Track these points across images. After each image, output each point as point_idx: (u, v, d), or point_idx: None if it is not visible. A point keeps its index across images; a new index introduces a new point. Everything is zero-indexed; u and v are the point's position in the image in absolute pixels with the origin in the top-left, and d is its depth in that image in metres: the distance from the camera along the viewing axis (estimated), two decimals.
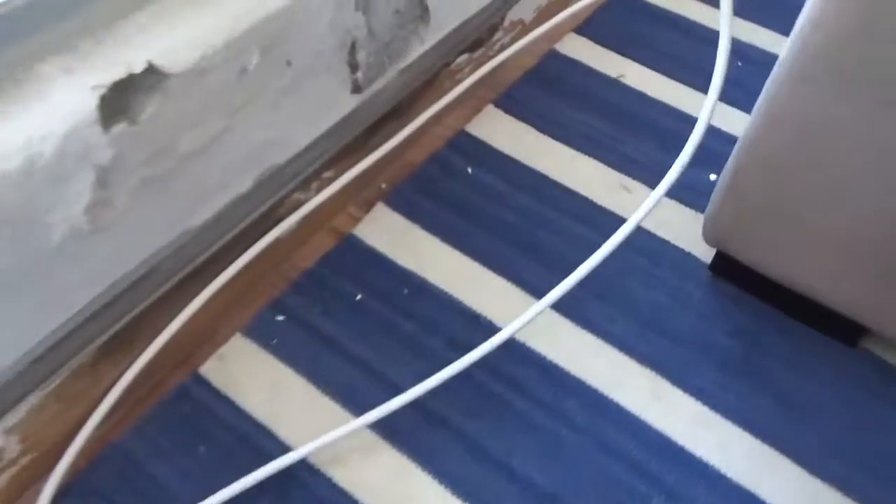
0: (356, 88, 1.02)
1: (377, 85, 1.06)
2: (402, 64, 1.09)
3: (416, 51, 1.11)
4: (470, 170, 1.19)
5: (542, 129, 1.26)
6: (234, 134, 0.84)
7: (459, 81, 1.23)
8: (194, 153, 0.81)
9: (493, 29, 1.28)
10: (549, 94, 1.32)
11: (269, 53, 0.83)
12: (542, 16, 1.42)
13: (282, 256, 1.04)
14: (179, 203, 0.84)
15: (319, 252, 1.06)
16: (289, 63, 0.87)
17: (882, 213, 0.82)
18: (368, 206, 1.12)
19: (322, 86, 0.95)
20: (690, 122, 1.27)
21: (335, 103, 1.00)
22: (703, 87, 1.35)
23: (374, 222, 1.11)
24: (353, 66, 0.99)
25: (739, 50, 1.41)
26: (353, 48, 0.96)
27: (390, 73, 1.07)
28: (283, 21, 0.82)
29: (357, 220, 1.11)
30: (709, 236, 1.02)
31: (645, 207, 0.85)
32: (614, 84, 1.35)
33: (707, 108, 0.82)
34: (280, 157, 0.95)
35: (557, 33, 1.40)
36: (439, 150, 1.21)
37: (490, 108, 1.28)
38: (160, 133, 0.75)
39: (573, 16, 1.37)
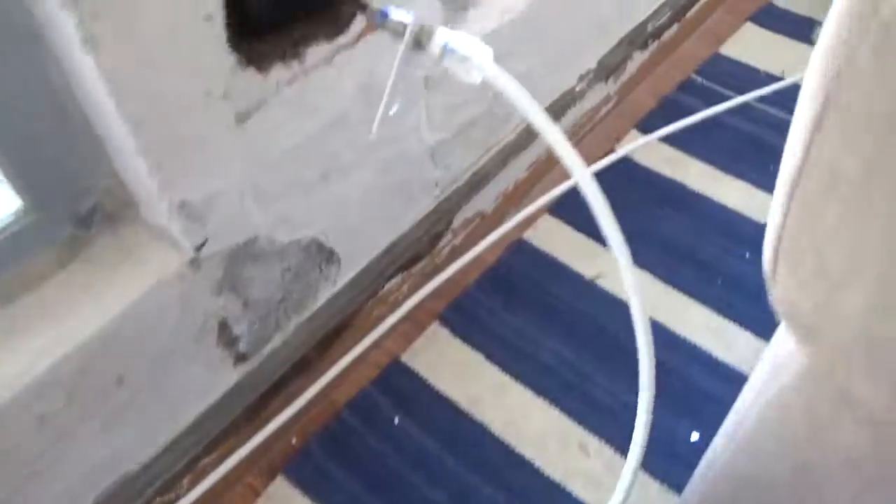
0: (240, 358, 0.86)
1: (273, 344, 0.89)
2: (308, 312, 0.92)
3: (327, 293, 0.94)
4: (397, 419, 1.00)
5: (494, 356, 1.06)
6: (43, 477, 0.69)
7: (396, 305, 1.05)
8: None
9: (437, 237, 1.10)
10: (508, 303, 1.13)
11: (85, 381, 0.67)
12: (511, 200, 1.23)
13: None
14: None
15: None
16: (120, 381, 0.71)
17: None
18: (270, 476, 0.95)
19: (185, 376, 0.79)
20: (676, 347, 1.07)
21: (209, 385, 0.83)
22: (702, 295, 1.15)
23: (276, 500, 0.93)
24: (230, 342, 0.82)
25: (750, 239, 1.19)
26: (224, 327, 0.80)
27: (290, 328, 0.91)
28: (98, 346, 0.66)
29: (257, 494, 0.94)
30: None
31: None
32: (588, 289, 1.15)
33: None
34: (130, 464, 0.79)
35: (527, 218, 1.21)
36: (365, 390, 1.03)
37: (435, 328, 1.10)
38: None
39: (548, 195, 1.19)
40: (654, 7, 1.36)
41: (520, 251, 1.19)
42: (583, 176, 0.62)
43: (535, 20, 1.03)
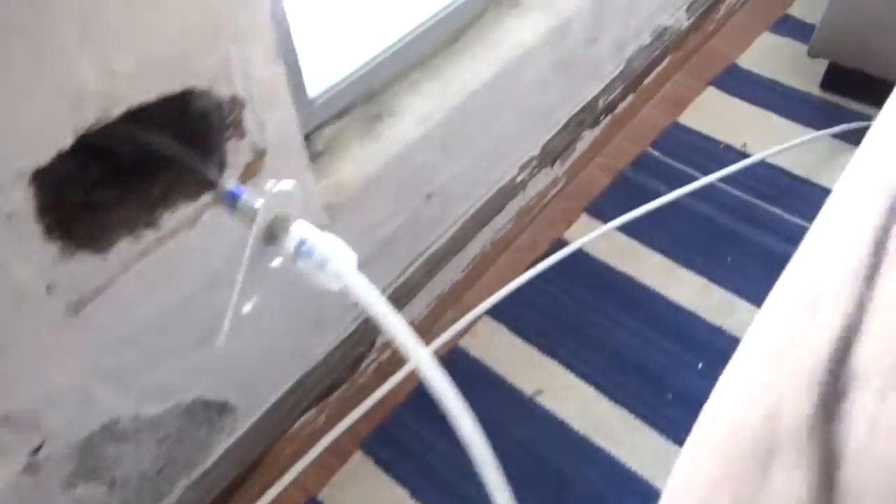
0: None
1: None
2: (201, 468, 0.82)
3: (223, 445, 0.84)
4: None
5: (420, 493, 0.96)
6: None
7: (312, 438, 0.95)
8: None
9: (359, 358, 1.00)
10: (440, 426, 1.02)
11: None
12: (445, 304, 1.13)
13: None
14: None
15: None
16: None
17: None
18: None
19: None
20: (623, 480, 0.97)
21: None
22: (651, 415, 1.03)
23: None
24: None
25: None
26: None
27: (178, 491, 0.80)
28: None
29: None
30: None
31: None
32: (528, 409, 1.05)
33: None
34: None
35: (464, 323, 1.11)
36: None
37: (357, 458, 1.00)
38: None
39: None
40: (605, 82, 1.27)
41: (455, 362, 1.09)
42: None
43: (462, 122, 0.94)
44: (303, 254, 0.49)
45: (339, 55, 0.84)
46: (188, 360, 0.71)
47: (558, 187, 1.29)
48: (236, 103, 0.61)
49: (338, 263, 0.49)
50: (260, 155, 0.66)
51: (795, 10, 1.67)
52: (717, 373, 0.67)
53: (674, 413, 1.03)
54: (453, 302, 1.14)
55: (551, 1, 1.03)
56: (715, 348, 1.09)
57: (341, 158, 0.83)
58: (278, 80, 0.64)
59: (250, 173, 0.66)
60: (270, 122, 0.65)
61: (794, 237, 1.26)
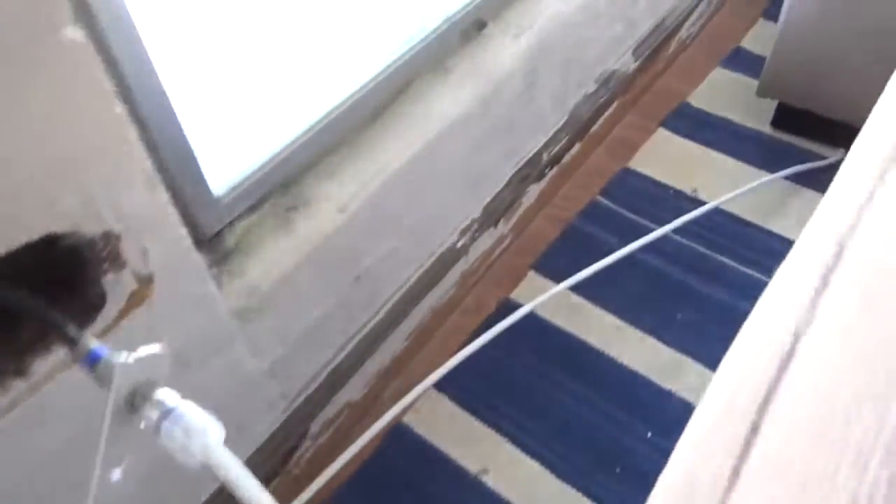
0: None
1: None
2: None
3: None
4: None
5: None
6: None
7: None
8: None
9: (291, 451, 0.96)
10: None
11: None
12: (386, 380, 1.09)
13: None
14: None
15: None
16: None
17: None
18: None
19: None
20: None
21: None
22: (598, 492, 0.97)
23: None
24: None
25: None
26: None
27: None
28: None
29: None
30: None
31: None
32: (472, 488, 1.01)
33: None
34: None
35: (406, 398, 1.07)
36: None
37: None
38: None
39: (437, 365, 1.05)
40: (549, 135, 1.24)
41: (398, 440, 1.06)
42: None
43: (387, 203, 0.90)
44: (162, 429, 0.45)
45: (247, 147, 0.80)
46: None
47: (504, 245, 1.25)
48: (110, 237, 0.57)
49: (202, 437, 0.45)
50: (146, 281, 0.62)
51: (748, 43, 1.65)
52: (667, 441, 0.63)
53: (623, 489, 1.00)
54: (396, 374, 1.10)
55: (480, 67, 0.99)
56: (665, 414, 1.06)
57: (254, 256, 0.80)
58: (159, 204, 0.60)
59: (137, 302, 0.62)
60: (154, 246, 0.61)
61: (745, 290, 1.24)
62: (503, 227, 1.22)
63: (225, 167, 0.78)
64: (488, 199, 1.14)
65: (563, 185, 1.35)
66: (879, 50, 1.20)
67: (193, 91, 0.73)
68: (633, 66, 1.42)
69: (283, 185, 0.83)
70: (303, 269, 0.82)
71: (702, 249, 1.26)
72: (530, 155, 1.21)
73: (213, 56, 0.79)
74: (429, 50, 0.94)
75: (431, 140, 0.93)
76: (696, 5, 1.58)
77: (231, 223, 0.80)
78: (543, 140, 1.23)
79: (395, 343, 1.08)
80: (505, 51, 1.02)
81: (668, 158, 1.41)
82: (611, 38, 1.29)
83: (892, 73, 0.65)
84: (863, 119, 0.60)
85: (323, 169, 0.85)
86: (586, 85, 1.29)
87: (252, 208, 0.81)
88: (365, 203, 0.86)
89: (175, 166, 0.68)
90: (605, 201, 1.34)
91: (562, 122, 1.25)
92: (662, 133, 1.46)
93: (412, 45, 0.92)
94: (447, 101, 0.96)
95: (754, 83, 1.44)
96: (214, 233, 0.78)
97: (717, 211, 1.29)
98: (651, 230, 1.26)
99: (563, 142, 1.29)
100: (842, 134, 1.37)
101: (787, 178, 1.35)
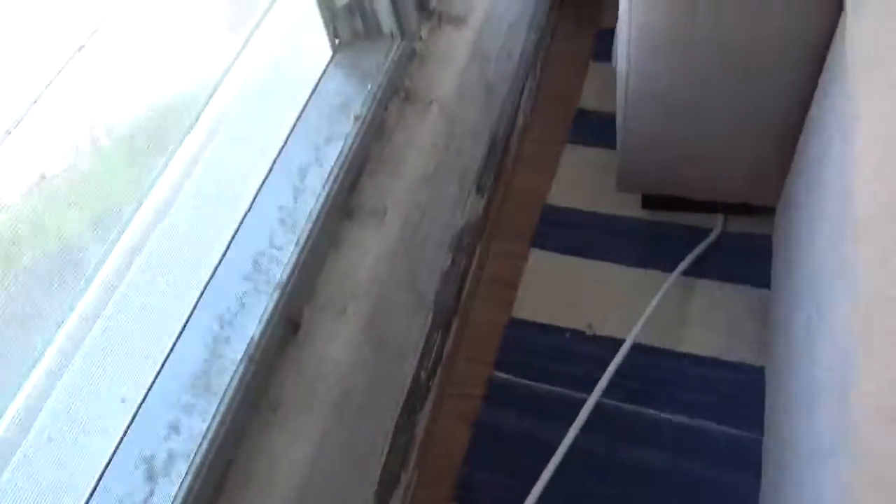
0: None
1: None
2: None
3: None
4: None
5: None
6: None
7: None
8: None
9: None
10: None
11: None
12: None
13: None
14: None
15: None
16: None
17: None
18: None
19: None
20: None
21: None
22: None
23: None
24: None
25: None
26: None
27: None
28: None
29: None
30: None
31: None
32: None
33: None
34: None
35: None
36: None
37: None
38: None
39: None
40: (420, 352, 1.07)
41: None
42: None
43: None
44: None
45: None
46: None
47: (412, 482, 1.10)
48: None
49: None
50: None
51: (589, 101, 1.50)
52: None
53: None
54: None
55: (311, 388, 0.81)
56: None
57: None
58: None
59: None
60: None
61: (675, 444, 1.11)
62: (406, 477, 1.06)
63: None
64: (378, 472, 0.98)
65: (453, 370, 1.19)
66: (723, 138, 1.08)
67: None
68: (481, 203, 1.26)
69: None
70: None
71: (618, 404, 1.12)
72: (407, 390, 1.04)
73: None
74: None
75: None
76: (519, 107, 1.42)
77: None
78: (416, 362, 1.06)
79: None
80: (332, 344, 0.84)
81: (551, 289, 1.26)
82: (451, 203, 1.12)
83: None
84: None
85: None
86: (440, 265, 1.12)
87: None
88: None
89: None
90: (503, 376, 1.19)
91: (428, 327, 1.09)
92: (536, 256, 1.31)
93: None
94: (291, 450, 0.78)
95: (609, 153, 1.28)
96: None
97: (620, 344, 1.17)
98: (564, 397, 1.13)
99: (437, 342, 1.13)
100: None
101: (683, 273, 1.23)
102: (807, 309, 0.77)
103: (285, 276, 0.78)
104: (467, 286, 1.24)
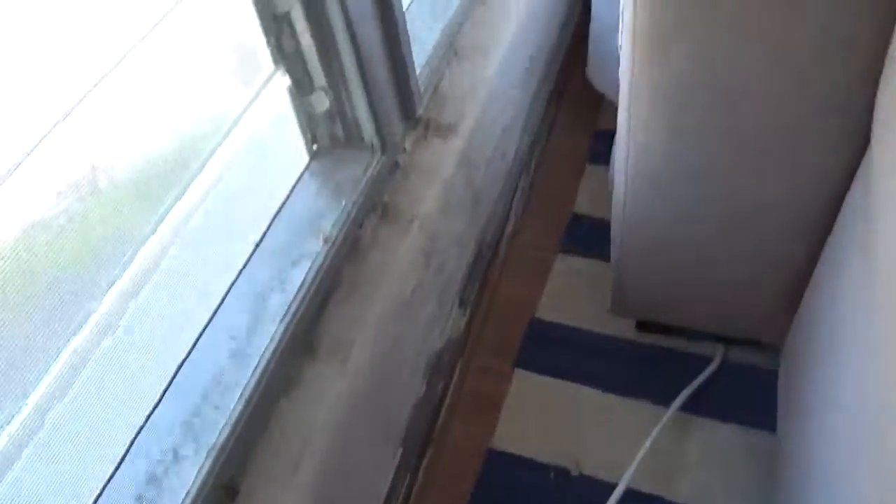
0: None
1: None
2: None
3: None
4: None
5: None
6: None
7: None
8: None
9: None
10: None
11: None
12: None
13: None
14: None
15: None
16: None
17: None
18: None
19: None
20: None
21: None
22: None
23: None
24: None
25: None
26: None
27: None
28: None
29: None
30: None
31: None
32: None
33: None
34: None
35: None
36: None
37: None
38: None
39: None
40: (392, 474, 0.96)
41: None
42: None
43: None
44: None
45: None
46: None
47: None
48: None
49: None
50: None
51: (583, 206, 1.42)
52: None
53: None
54: None
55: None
56: None
57: None
58: None
59: None
60: None
61: None
62: None
63: None
64: None
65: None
66: (727, 275, 0.99)
67: None
68: (463, 320, 1.16)
69: None
70: None
71: None
72: None
73: None
74: None
75: None
76: (510, 208, 1.35)
77: None
78: (389, 481, 0.95)
79: None
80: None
81: (536, 417, 1.15)
82: (429, 323, 1.03)
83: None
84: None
85: None
86: (413, 396, 1.01)
87: None
88: None
89: None
90: None
91: (396, 464, 0.98)
92: (520, 376, 1.20)
93: None
94: None
95: (603, 264, 1.19)
96: None
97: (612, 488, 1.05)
98: None
99: (406, 480, 1.02)
100: None
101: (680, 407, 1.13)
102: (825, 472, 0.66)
103: (224, 437, 0.67)
104: (443, 411, 1.13)
